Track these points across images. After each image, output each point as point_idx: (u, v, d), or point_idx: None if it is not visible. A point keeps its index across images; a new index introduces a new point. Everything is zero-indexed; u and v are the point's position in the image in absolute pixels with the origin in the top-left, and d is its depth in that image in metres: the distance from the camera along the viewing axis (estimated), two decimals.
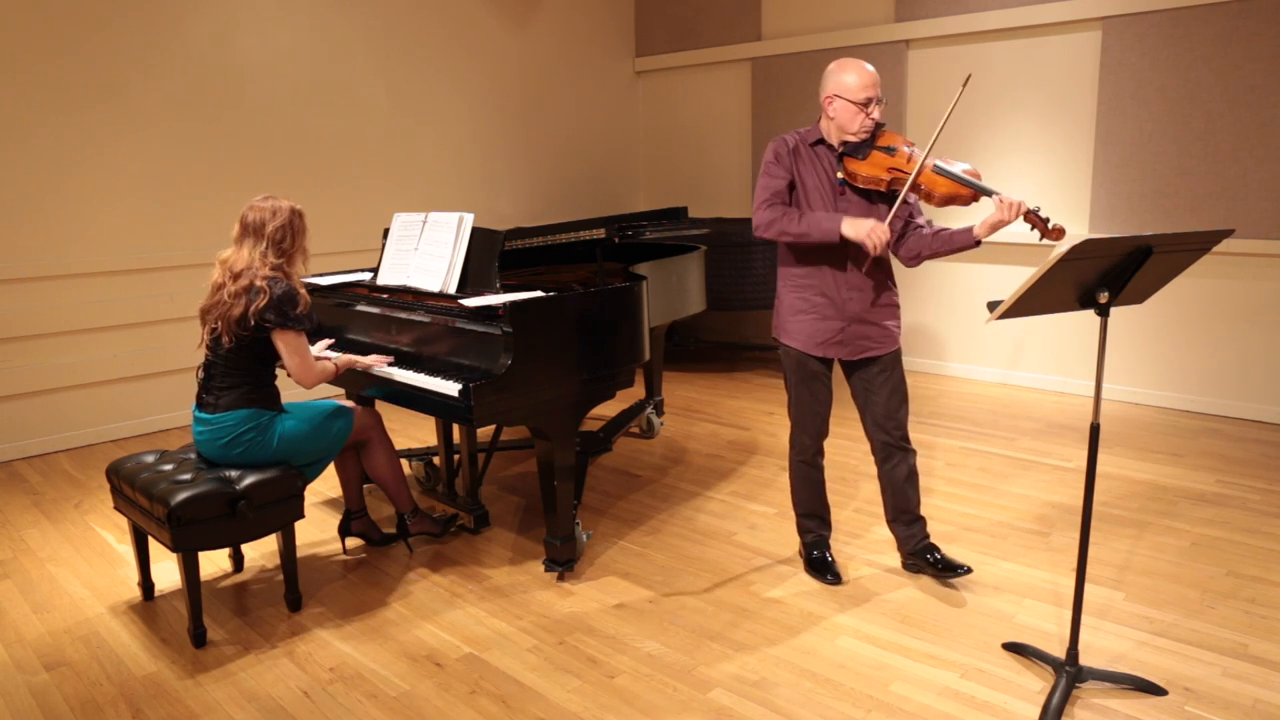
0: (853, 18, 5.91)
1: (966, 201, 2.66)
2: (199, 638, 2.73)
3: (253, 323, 2.75)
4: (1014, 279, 5.38)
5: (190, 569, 2.70)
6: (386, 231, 3.59)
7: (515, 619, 2.86)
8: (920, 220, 2.85)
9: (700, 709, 2.38)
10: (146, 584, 3.05)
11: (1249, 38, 4.46)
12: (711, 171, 6.99)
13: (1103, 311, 2.22)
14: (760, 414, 5.06)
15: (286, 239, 2.86)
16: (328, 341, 3.41)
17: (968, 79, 2.67)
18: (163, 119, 4.81)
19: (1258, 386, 4.71)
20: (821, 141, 2.80)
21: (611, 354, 3.17)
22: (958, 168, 2.67)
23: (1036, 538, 3.36)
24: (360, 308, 3.49)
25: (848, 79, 2.68)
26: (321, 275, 3.88)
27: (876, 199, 2.79)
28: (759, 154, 6.57)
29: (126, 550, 3.43)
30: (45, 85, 4.43)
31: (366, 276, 3.72)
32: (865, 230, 2.61)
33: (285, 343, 2.82)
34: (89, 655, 2.72)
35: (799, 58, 6.20)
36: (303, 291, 2.85)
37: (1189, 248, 2.21)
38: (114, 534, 3.60)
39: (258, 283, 2.76)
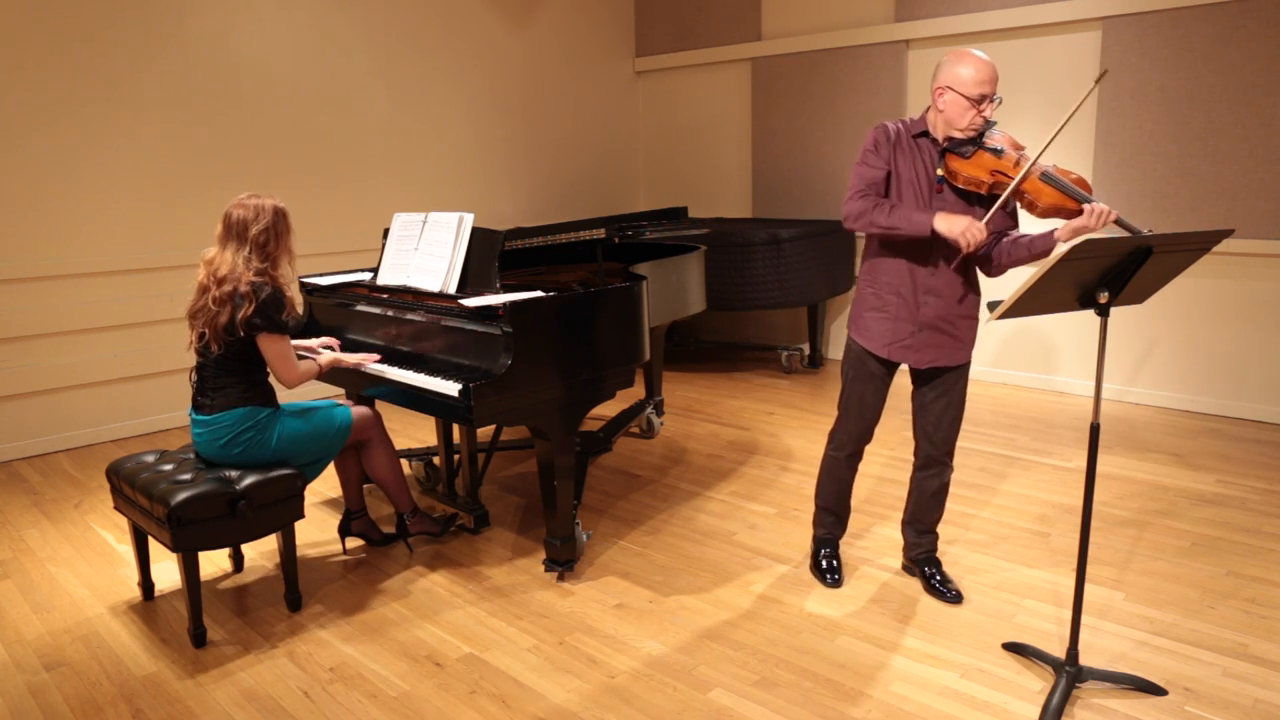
0: (853, 18, 5.91)
1: (1071, 215, 2.45)
2: (199, 638, 2.74)
3: (241, 332, 2.73)
4: (1015, 279, 5.38)
5: (190, 569, 2.71)
6: (386, 231, 3.59)
7: (515, 619, 2.86)
8: (1014, 233, 2.65)
9: (700, 709, 2.38)
10: (146, 584, 3.05)
11: (1249, 38, 4.46)
12: (711, 171, 6.99)
13: (1103, 311, 2.22)
14: (760, 414, 5.06)
15: (270, 242, 2.82)
16: (324, 340, 3.38)
17: (1102, 75, 2.46)
18: (163, 119, 4.81)
19: (1257, 386, 4.71)
20: (925, 134, 2.65)
21: (611, 354, 3.17)
22: (1068, 178, 2.48)
23: (1036, 538, 3.36)
24: (360, 308, 3.49)
25: (963, 71, 2.51)
26: (321, 275, 3.88)
27: (975, 201, 2.61)
28: (759, 154, 6.58)
29: (126, 550, 3.43)
30: (45, 85, 4.43)
31: (366, 276, 3.72)
32: (960, 228, 2.45)
33: (269, 345, 2.80)
34: (89, 655, 2.72)
35: (799, 58, 6.20)
36: (289, 294, 2.82)
37: (1189, 248, 2.21)
38: (114, 534, 3.60)
39: (242, 289, 2.73)
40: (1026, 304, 2.18)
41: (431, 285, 3.24)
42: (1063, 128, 2.39)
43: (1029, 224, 5.37)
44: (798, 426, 4.78)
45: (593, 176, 7.13)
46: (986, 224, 2.48)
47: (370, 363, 3.17)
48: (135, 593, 3.10)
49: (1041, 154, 2.42)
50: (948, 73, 2.55)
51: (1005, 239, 2.64)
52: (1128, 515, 3.54)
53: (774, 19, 6.37)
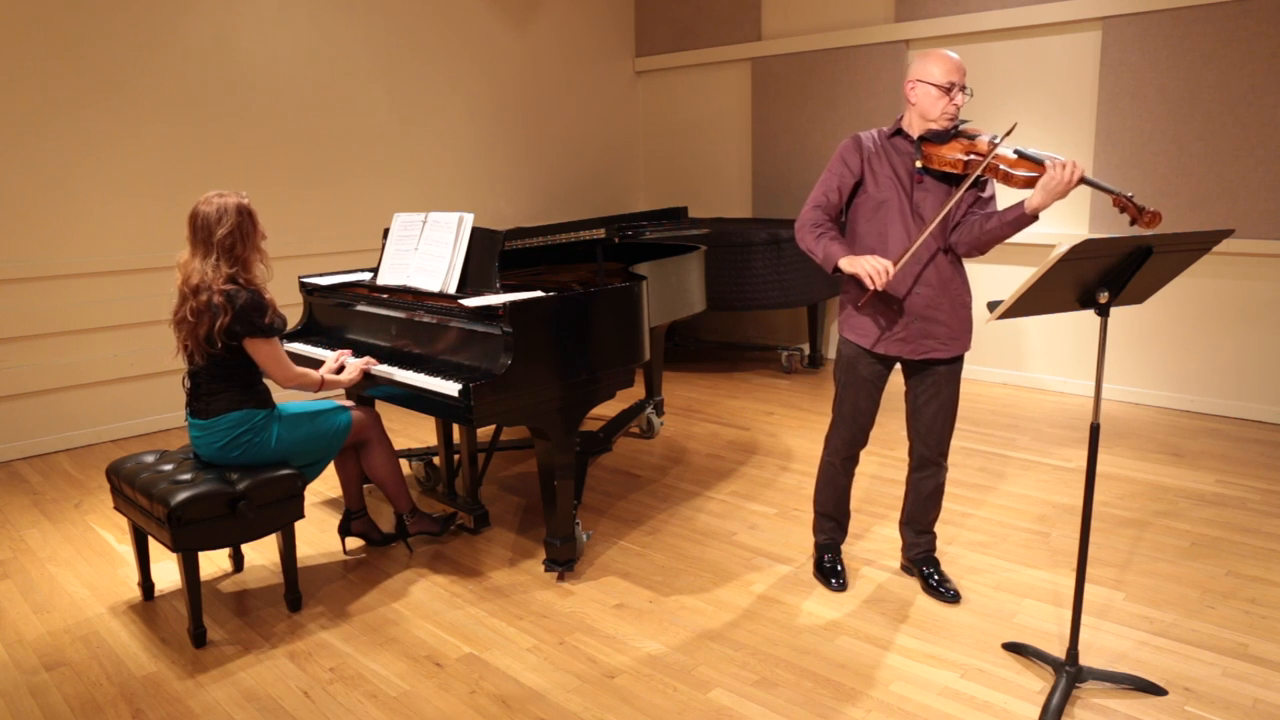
0: (853, 18, 5.92)
1: None
2: (199, 638, 2.74)
3: (220, 343, 2.70)
4: (1014, 279, 5.38)
5: (190, 569, 2.71)
6: (386, 231, 3.59)
7: (515, 619, 2.86)
8: (988, 210, 2.70)
9: (700, 709, 2.38)
10: (146, 584, 3.05)
11: (1249, 38, 4.46)
12: (711, 171, 6.99)
13: (1103, 311, 2.22)
14: (760, 414, 5.06)
15: (238, 245, 2.75)
16: (340, 353, 3.22)
17: (1012, 128, 2.57)
18: (163, 119, 4.81)
19: (1257, 386, 4.71)
20: (900, 133, 2.72)
21: (611, 354, 3.17)
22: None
23: (1036, 538, 3.36)
24: (360, 308, 3.49)
25: (931, 64, 2.62)
26: (321, 275, 3.88)
27: (954, 184, 2.67)
28: (759, 154, 6.58)
29: (126, 550, 3.43)
30: (45, 85, 4.43)
31: (366, 276, 3.72)
32: (862, 264, 2.53)
33: (257, 350, 2.78)
34: (89, 655, 2.72)
35: (799, 58, 6.20)
36: (268, 296, 2.78)
37: (1189, 248, 2.21)
38: (114, 534, 3.60)
39: (216, 299, 2.68)
40: (1026, 304, 2.18)
41: (431, 285, 3.24)
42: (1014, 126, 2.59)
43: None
44: (798, 426, 4.78)
45: (593, 176, 7.13)
46: (957, 204, 2.59)
47: (370, 368, 3.14)
48: (135, 593, 3.10)
49: (1010, 131, 2.53)
50: (918, 68, 2.67)
51: (973, 218, 2.68)
52: (1128, 515, 3.54)
53: (774, 19, 6.37)
